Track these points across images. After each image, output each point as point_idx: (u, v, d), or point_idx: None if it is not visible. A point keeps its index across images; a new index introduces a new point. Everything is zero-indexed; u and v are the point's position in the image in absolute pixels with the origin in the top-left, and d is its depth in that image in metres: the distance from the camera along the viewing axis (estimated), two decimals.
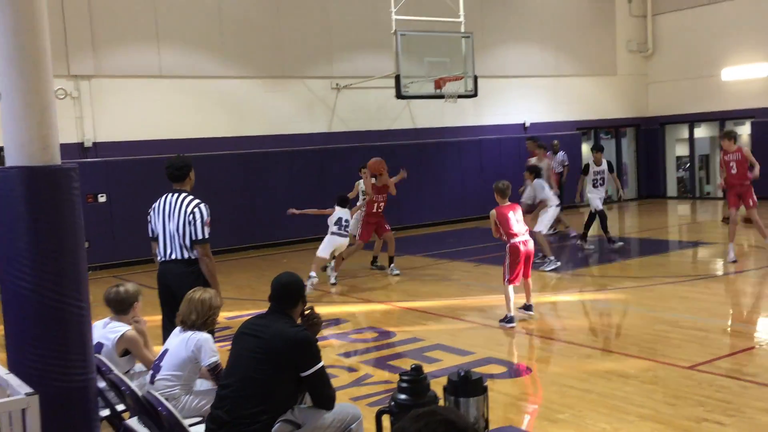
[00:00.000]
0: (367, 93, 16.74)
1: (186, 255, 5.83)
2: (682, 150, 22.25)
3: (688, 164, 21.99)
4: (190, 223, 5.78)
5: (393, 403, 3.83)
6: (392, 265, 11.70)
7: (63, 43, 13.24)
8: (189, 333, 4.71)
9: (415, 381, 3.82)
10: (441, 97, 14.76)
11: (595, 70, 20.90)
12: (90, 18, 13.77)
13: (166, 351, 4.75)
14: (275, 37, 15.77)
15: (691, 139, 21.35)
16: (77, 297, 3.72)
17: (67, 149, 12.61)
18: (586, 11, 20.61)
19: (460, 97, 14.92)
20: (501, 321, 8.12)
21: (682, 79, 20.95)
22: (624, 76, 21.52)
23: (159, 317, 6.12)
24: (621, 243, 13.18)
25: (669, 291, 9.55)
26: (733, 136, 11.30)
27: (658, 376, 6.08)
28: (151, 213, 6.05)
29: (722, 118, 20.44)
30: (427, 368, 6.17)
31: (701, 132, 21.76)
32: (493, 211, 8.14)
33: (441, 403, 3.98)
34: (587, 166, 13.41)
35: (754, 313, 8.42)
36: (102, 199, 13.91)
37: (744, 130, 21.21)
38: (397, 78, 14.12)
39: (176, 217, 5.83)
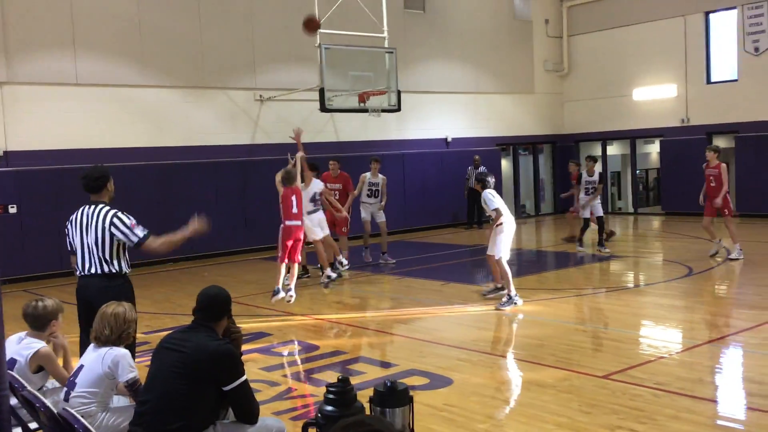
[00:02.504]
0: (291, 105, 16.69)
1: (105, 269, 5.65)
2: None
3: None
4: (113, 235, 5.62)
5: (319, 414, 3.83)
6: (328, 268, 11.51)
7: None
8: (105, 349, 4.58)
9: (342, 392, 3.83)
10: (365, 111, 14.86)
11: (514, 88, 21.46)
12: (2, 23, 13.27)
13: (81, 367, 4.60)
14: (197, 47, 15.56)
15: (604, 156, 22.15)
16: None
17: None
18: (506, 31, 21.16)
19: (383, 111, 15.07)
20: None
21: (596, 98, 21.76)
22: (541, 95, 22.18)
23: (69, 333, 5.92)
24: (608, 251, 13.81)
25: (584, 302, 9.86)
26: (716, 151, 12.70)
27: (574, 385, 6.26)
28: (69, 226, 5.82)
29: (633, 137, 21.33)
30: (351, 380, 6.18)
31: (613, 149, 22.62)
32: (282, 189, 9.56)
33: (367, 413, 4.01)
34: (580, 175, 14.52)
35: (664, 324, 8.78)
36: (12, 210, 13.37)
37: (653, 149, 22.18)
38: (321, 91, 14.15)
39: (93, 230, 5.64)
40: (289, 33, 16.47)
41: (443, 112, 19.77)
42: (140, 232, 5.68)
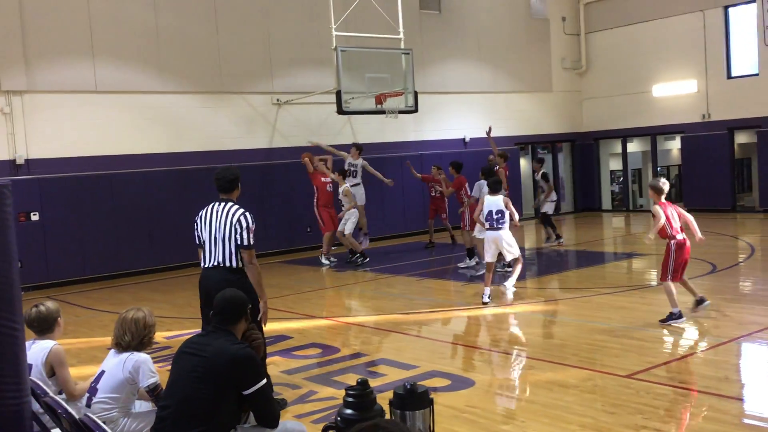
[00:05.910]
0: (308, 108, 16.72)
1: (229, 263, 5.90)
2: (616, 164, 22.87)
3: (622, 178, 22.61)
4: (236, 230, 5.87)
5: (339, 418, 3.80)
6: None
7: None
8: (126, 354, 4.60)
9: (361, 395, 3.80)
10: (382, 112, 14.84)
11: (532, 87, 21.34)
12: (22, 32, 13.39)
13: (102, 373, 4.62)
14: (214, 53, 15.63)
15: (624, 154, 21.97)
16: (10, 318, 3.57)
17: None
18: (522, 30, 21.05)
19: (400, 112, 15.04)
20: (663, 321, 8.21)
21: (615, 96, 21.58)
22: (559, 93, 22.04)
23: (92, 338, 5.97)
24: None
25: (606, 301, 9.76)
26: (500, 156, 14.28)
27: (598, 385, 6.20)
28: (198, 220, 6.11)
29: (653, 133, 21.12)
30: (372, 383, 6.13)
31: (633, 147, 22.42)
32: (657, 207, 8.22)
33: (387, 416, 3.98)
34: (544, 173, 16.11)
35: (688, 322, 8.66)
36: (35, 217, 13.49)
37: (674, 145, 21.97)
38: (338, 94, 14.15)
39: (224, 226, 5.91)
40: (305, 37, 16.50)
41: (461, 113, 19.70)
42: (251, 239, 5.91)
